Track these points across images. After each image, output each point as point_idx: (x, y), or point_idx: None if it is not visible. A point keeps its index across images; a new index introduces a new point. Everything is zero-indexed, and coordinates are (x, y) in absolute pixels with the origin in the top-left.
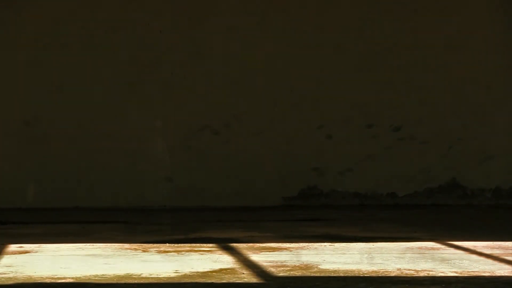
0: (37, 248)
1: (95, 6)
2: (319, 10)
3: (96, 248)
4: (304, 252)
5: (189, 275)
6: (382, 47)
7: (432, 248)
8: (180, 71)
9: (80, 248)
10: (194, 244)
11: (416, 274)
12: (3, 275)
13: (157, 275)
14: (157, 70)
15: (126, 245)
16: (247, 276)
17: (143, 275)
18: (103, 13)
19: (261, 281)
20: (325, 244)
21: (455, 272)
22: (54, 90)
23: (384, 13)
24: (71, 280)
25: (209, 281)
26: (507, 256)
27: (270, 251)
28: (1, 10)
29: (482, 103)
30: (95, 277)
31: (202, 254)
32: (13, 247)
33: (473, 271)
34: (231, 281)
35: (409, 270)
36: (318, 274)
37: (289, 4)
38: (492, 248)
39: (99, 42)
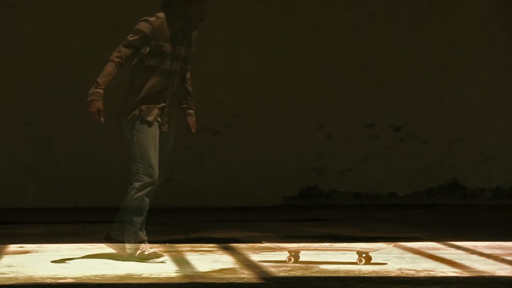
0: (37, 248)
1: (95, 6)
2: (319, 10)
3: (96, 248)
4: (304, 252)
5: (189, 275)
6: (382, 47)
7: (433, 248)
8: None
9: (80, 248)
10: (194, 244)
11: (416, 274)
12: (3, 275)
13: (158, 275)
14: None
15: (127, 245)
16: (247, 276)
17: (144, 275)
18: (103, 13)
19: (261, 281)
20: (325, 244)
21: (455, 272)
22: (54, 90)
23: (384, 13)
24: (71, 280)
25: (209, 281)
26: (507, 256)
27: (270, 251)
28: (1, 10)
29: (482, 103)
30: (95, 277)
31: (202, 254)
32: (13, 247)
33: (474, 271)
34: (231, 281)
35: (409, 270)
36: (318, 274)
37: (289, 4)
38: (493, 248)
39: (99, 42)
